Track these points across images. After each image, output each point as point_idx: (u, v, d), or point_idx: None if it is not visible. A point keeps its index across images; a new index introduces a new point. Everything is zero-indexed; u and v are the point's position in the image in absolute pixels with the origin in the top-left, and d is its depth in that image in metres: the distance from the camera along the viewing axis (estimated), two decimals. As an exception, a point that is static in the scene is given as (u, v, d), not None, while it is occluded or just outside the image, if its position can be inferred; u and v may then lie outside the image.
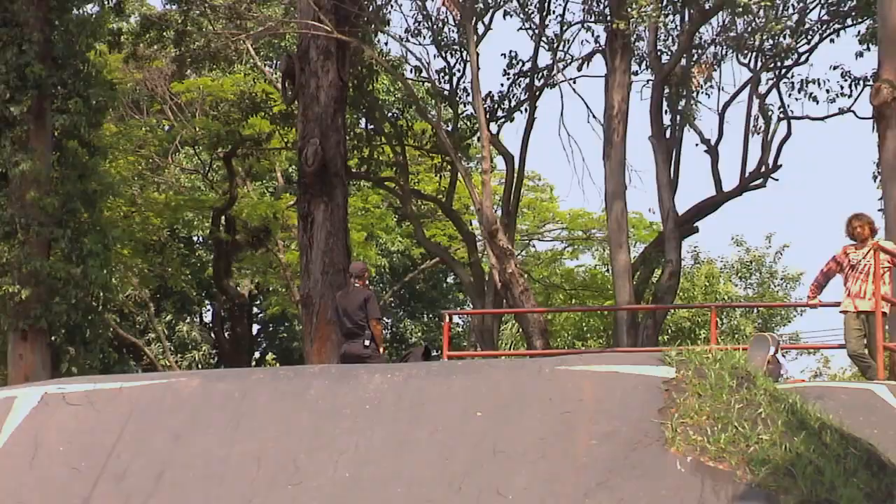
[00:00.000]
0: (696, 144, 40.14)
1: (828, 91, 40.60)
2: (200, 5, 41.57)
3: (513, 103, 43.25)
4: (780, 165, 40.26)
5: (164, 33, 44.32)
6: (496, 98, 42.96)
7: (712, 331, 31.98)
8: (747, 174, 39.95)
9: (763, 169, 39.94)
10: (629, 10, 34.71)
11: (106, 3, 39.96)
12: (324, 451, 17.86)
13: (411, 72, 43.57)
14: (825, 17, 39.62)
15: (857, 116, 40.06)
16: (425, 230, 47.41)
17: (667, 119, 39.00)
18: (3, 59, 35.36)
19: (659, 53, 38.95)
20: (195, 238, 57.31)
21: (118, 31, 43.40)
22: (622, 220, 37.81)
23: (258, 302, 57.66)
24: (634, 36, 38.67)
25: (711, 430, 15.66)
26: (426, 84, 43.97)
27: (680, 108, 39.67)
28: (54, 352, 36.78)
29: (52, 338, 36.51)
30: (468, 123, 42.87)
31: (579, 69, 43.72)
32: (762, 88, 40.29)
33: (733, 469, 15.43)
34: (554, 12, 40.94)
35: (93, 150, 37.88)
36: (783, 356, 24.78)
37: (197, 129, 49.13)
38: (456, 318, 38.35)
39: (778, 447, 15.21)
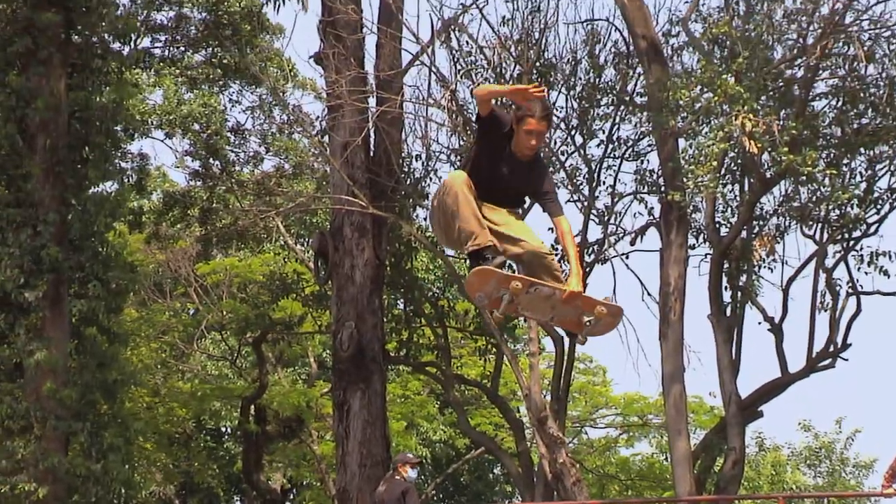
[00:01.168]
0: (759, 323, 38.85)
1: (900, 264, 41.01)
2: (227, 181, 41.32)
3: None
4: (850, 344, 38.79)
5: (189, 211, 44.14)
6: None
7: None
8: (815, 354, 38.37)
9: (831, 348, 38.39)
10: (684, 180, 34.35)
11: (126, 180, 39.82)
12: None
13: None
14: (895, 185, 38.35)
15: (931, 292, 39.72)
16: (469, 418, 46.65)
17: (727, 296, 37.89)
18: (17, 241, 34.78)
19: (717, 226, 37.98)
20: (223, 429, 56.55)
21: (139, 210, 43.50)
22: (681, 404, 36.81)
23: (291, 497, 56.67)
24: (691, 207, 37.70)
25: None
26: (467, 262, 41.49)
27: (741, 283, 38.53)
28: None
29: None
30: None
31: (632, 243, 42.13)
32: (829, 262, 38.74)
33: None
34: (604, 183, 40.16)
35: (113, 336, 37.29)
36: None
37: (224, 312, 48.84)
38: None
39: None
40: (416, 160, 40.72)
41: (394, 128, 38.49)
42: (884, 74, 35.17)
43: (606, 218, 40.20)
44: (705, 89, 33.45)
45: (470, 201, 11.99)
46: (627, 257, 41.21)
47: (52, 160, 35.27)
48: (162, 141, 47.94)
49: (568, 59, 39.88)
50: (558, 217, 12.31)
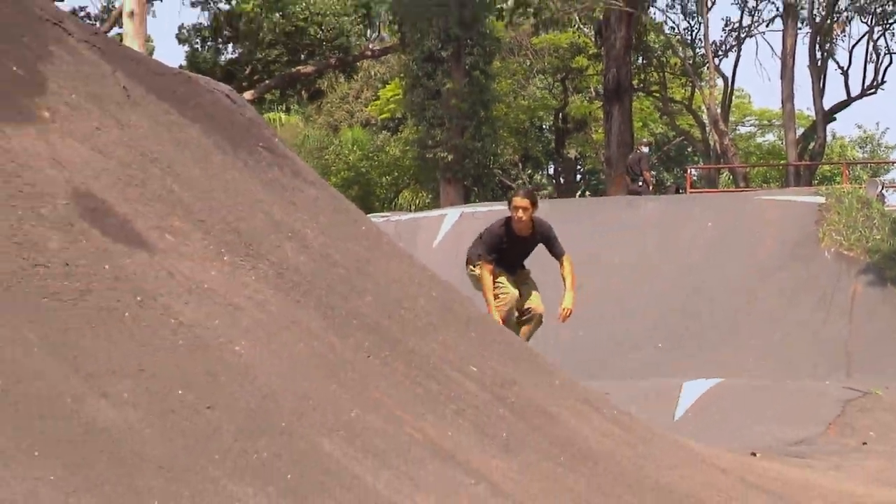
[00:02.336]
0: (835, 69, 44.50)
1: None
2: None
3: (727, 46, 44.19)
4: (885, 81, 42.16)
5: (527, 9, 41.75)
6: (717, 43, 43.84)
7: (844, 177, 34.33)
8: (865, 86, 41.41)
9: (874, 83, 41.32)
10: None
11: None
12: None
13: (669, 29, 43.96)
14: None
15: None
16: (676, 121, 47.77)
17: (819, 55, 40.38)
18: (435, 27, 36.92)
19: (814, 16, 40.33)
20: (544, 126, 56.47)
21: (501, 9, 42.27)
22: (791, 113, 39.90)
23: (579, 162, 58.08)
24: (800, 6, 39.79)
25: (846, 233, 16.16)
26: (678, 36, 43.81)
27: (826, 48, 41.10)
28: (465, 191, 38.45)
29: (465, 183, 38.55)
30: (701, 59, 42.69)
31: (767, 25, 48.92)
32: (876, 36, 41.42)
33: (858, 256, 16.01)
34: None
35: (487, 76, 39.81)
36: (886, 191, 25.34)
37: (546, 63, 50.08)
38: (693, 171, 40.96)
39: (884, 242, 15.60)
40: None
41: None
42: None
43: (752, 12, 42.88)
44: None
45: (489, 288, 9.96)
46: (764, 34, 45.05)
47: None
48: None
49: None
50: (560, 258, 10.36)
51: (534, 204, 10.29)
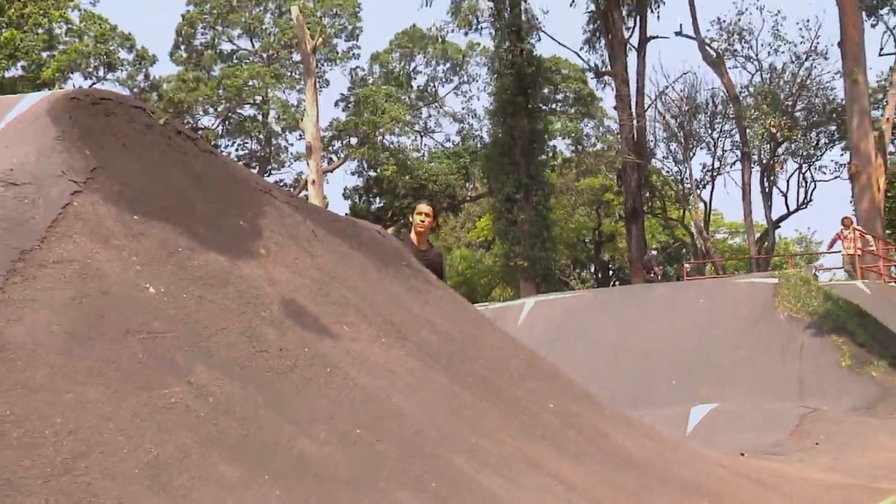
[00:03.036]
0: (778, 193, 38.26)
1: None
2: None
3: (705, 181, 39.46)
4: (811, 200, 40.76)
5: (571, 164, 40.38)
6: (698, 180, 39.12)
7: (789, 264, 31.17)
8: (799, 203, 38.33)
9: (805, 201, 38.09)
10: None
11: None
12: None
13: (665, 172, 40.02)
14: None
15: None
16: (674, 232, 43.90)
17: (766, 184, 37.39)
18: (511, 179, 34.59)
19: (762, 159, 36.74)
20: (586, 240, 50.65)
21: (554, 165, 40.08)
22: (751, 224, 36.88)
23: (611, 263, 51.14)
24: (752, 153, 36.27)
25: (794, 301, 14.88)
26: (672, 176, 40.07)
27: (771, 179, 37.83)
28: (537, 286, 35.40)
29: (536, 280, 35.83)
30: (687, 190, 38.81)
31: (731, 166, 40.14)
32: (803, 170, 38.51)
33: (803, 317, 14.73)
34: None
35: (547, 209, 36.97)
36: (817, 272, 24.07)
37: (585, 198, 46.62)
38: (687, 265, 36.73)
39: (820, 307, 14.50)
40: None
41: None
42: None
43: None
44: None
45: None
46: (729, 172, 40.81)
47: None
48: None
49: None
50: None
51: (435, 215, 7.95)
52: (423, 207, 7.82)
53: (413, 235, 7.62)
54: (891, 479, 7.07)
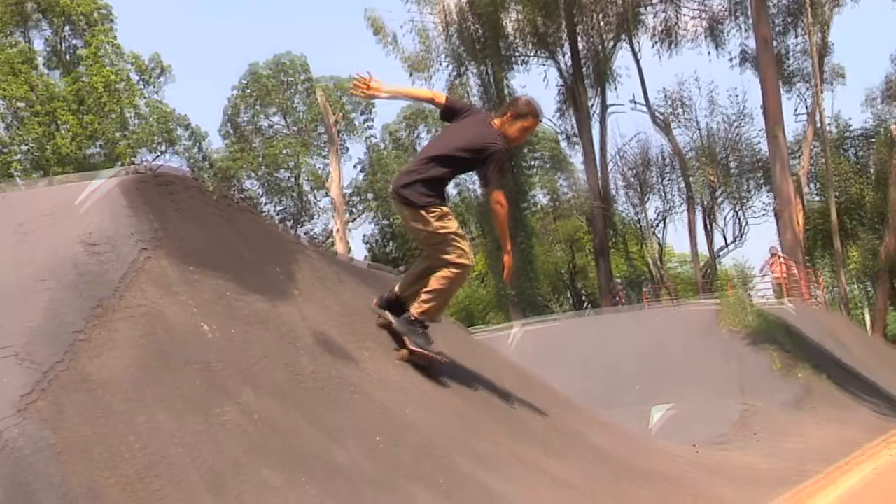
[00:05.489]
0: (717, 230, 36.96)
1: None
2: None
3: (658, 222, 36.99)
4: (744, 234, 36.85)
5: (546, 211, 40.11)
6: (653, 221, 36.78)
7: (729, 289, 29.71)
8: (735, 238, 37.17)
9: (740, 236, 37.04)
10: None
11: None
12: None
13: (626, 216, 37.86)
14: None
15: None
16: (635, 264, 40.58)
17: (708, 223, 37.15)
18: None
19: (703, 202, 36.32)
20: (562, 272, 49.51)
21: (534, 212, 38.99)
22: (696, 255, 36.38)
23: (584, 291, 49.54)
24: (695, 198, 36.34)
25: (733, 319, 14.26)
26: (631, 219, 38.09)
27: (712, 218, 36.94)
28: (524, 313, 31.08)
29: (522, 307, 32.16)
30: (644, 230, 37.13)
31: (679, 209, 39.25)
32: (737, 211, 37.33)
33: (741, 331, 13.99)
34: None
35: (530, 247, 35.90)
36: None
37: (561, 237, 47.41)
38: (647, 292, 38.35)
39: (754, 322, 14.12)
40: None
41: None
42: None
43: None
44: None
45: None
46: (678, 215, 37.74)
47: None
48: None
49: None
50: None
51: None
52: (536, 127, 5.31)
53: (509, 132, 4.99)
54: (816, 461, 7.03)
